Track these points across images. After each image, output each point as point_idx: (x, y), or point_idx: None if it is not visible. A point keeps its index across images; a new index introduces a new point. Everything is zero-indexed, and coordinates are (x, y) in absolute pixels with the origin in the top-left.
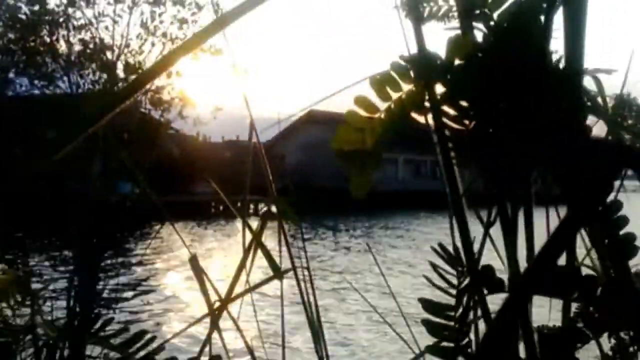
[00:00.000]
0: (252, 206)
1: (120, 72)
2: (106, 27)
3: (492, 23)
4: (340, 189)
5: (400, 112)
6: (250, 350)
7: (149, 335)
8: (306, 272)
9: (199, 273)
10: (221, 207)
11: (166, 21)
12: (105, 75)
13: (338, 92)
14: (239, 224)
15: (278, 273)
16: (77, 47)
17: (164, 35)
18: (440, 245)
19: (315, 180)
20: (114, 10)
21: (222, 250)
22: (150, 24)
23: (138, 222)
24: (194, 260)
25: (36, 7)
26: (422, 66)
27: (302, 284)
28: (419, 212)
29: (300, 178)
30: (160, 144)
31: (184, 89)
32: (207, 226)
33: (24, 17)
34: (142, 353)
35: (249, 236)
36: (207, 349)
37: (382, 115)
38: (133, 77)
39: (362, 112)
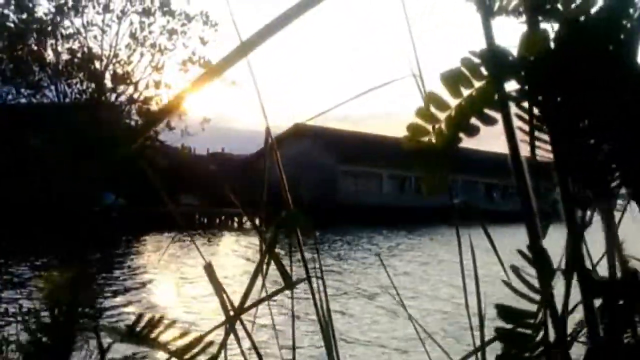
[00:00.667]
0: (236, 219)
1: (108, 82)
2: (95, 37)
3: (569, 17)
4: (319, 203)
5: (471, 110)
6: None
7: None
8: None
9: (215, 281)
10: (205, 220)
11: (155, 32)
12: (93, 85)
13: (354, 98)
14: (224, 236)
15: (290, 283)
16: (65, 56)
17: (153, 45)
18: (527, 247)
19: (301, 194)
20: (103, 19)
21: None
22: (139, 34)
23: (123, 232)
24: (209, 268)
25: (24, 16)
26: (493, 62)
27: (317, 295)
28: (395, 226)
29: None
30: (146, 156)
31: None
32: (192, 238)
33: (11, 25)
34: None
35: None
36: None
37: (453, 113)
38: (121, 87)
39: (433, 110)
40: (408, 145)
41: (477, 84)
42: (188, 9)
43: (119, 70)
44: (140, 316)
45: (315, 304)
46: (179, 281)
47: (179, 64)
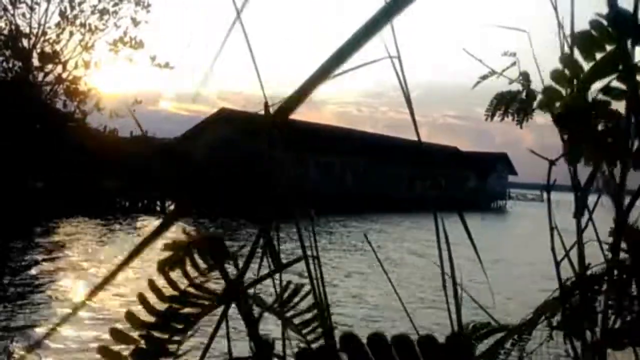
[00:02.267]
0: (158, 203)
1: (36, 61)
2: (23, 14)
3: None
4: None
5: (603, 72)
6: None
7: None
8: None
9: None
10: (126, 203)
11: (86, 11)
12: (19, 63)
13: (356, 68)
14: (144, 220)
15: (285, 263)
16: None
17: (83, 25)
18: None
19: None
20: None
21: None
22: (69, 13)
23: (42, 216)
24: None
25: None
26: (623, 26)
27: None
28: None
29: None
30: (65, 137)
31: (100, 81)
32: (114, 222)
33: None
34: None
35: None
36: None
37: (587, 75)
38: (49, 66)
39: (567, 72)
40: (548, 109)
41: (609, 47)
42: None
43: (48, 49)
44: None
45: (312, 285)
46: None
47: (109, 43)
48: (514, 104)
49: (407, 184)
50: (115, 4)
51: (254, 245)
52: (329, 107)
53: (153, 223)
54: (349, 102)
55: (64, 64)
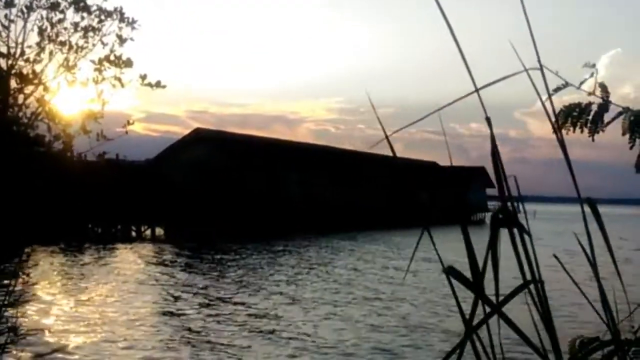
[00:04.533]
0: (134, 229)
1: (14, 82)
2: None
3: None
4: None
5: None
6: None
7: None
8: None
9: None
10: (99, 230)
11: (69, 28)
12: None
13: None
14: (117, 250)
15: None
16: None
17: (63, 43)
18: None
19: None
20: (6, 15)
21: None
22: (50, 31)
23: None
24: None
25: None
26: None
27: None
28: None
29: (188, 198)
30: (26, 163)
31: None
32: (81, 252)
33: None
34: None
35: None
36: None
37: None
38: (30, 87)
39: None
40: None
41: None
42: (104, 5)
43: (26, 70)
44: None
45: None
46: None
47: (94, 62)
48: (583, 117)
49: (392, 200)
50: (101, 21)
51: None
52: (305, 125)
53: (124, 253)
54: (325, 119)
55: (45, 85)
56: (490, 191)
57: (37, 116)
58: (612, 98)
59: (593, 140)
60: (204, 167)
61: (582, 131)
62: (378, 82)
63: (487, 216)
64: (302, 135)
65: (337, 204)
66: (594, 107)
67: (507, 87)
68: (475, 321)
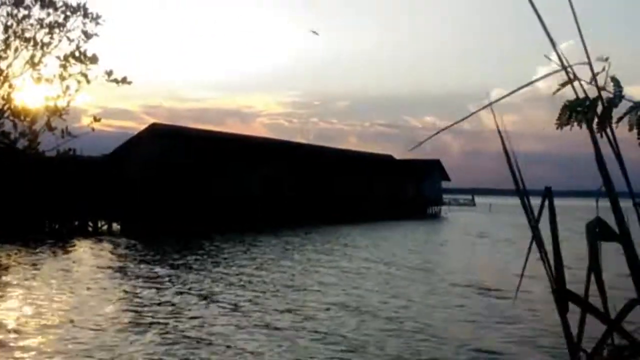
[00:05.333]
0: (90, 224)
1: None
2: None
3: None
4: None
5: None
6: None
7: None
8: None
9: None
10: (56, 226)
11: (35, 25)
12: None
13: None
14: (77, 244)
15: None
16: None
17: (27, 40)
18: None
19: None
20: None
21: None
22: (16, 27)
23: None
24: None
25: None
26: None
27: None
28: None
29: (145, 195)
30: None
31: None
32: (40, 248)
33: None
34: None
35: None
36: None
37: None
38: None
39: None
40: None
41: None
42: (69, 1)
43: None
44: None
45: None
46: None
47: (59, 59)
48: (590, 113)
49: (345, 193)
50: (66, 17)
51: None
52: (259, 120)
53: (82, 247)
54: (279, 113)
55: (10, 83)
56: (445, 184)
57: (2, 113)
58: (566, 89)
59: (601, 136)
60: (160, 162)
61: (586, 127)
62: (331, 75)
63: (443, 209)
64: (256, 129)
65: (294, 198)
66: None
67: (460, 80)
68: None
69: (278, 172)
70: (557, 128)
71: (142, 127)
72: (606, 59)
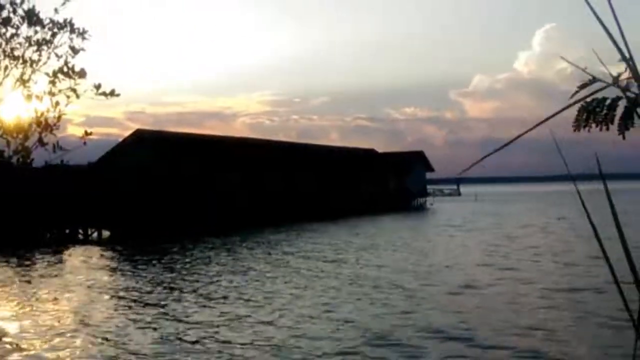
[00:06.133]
0: (80, 232)
1: None
2: None
3: None
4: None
5: None
6: None
7: None
8: None
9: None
10: (49, 235)
11: (23, 43)
12: None
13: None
14: (72, 252)
15: None
16: None
17: (16, 58)
18: None
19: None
20: None
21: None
22: (5, 46)
23: None
24: None
25: None
26: None
27: None
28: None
29: (133, 201)
30: None
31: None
32: (35, 256)
33: None
34: None
35: None
36: None
37: None
38: None
39: None
40: None
41: None
42: (55, 17)
43: None
44: None
45: None
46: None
47: (49, 75)
48: (611, 114)
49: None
50: (54, 34)
51: None
52: (240, 120)
53: (74, 256)
54: (260, 112)
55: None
56: (429, 174)
57: None
58: (548, 74)
59: (624, 138)
60: (146, 168)
61: (607, 129)
62: (310, 72)
63: (428, 200)
64: (238, 130)
65: (281, 197)
66: (622, 103)
67: (439, 69)
68: None
69: (259, 171)
70: (575, 130)
71: (126, 133)
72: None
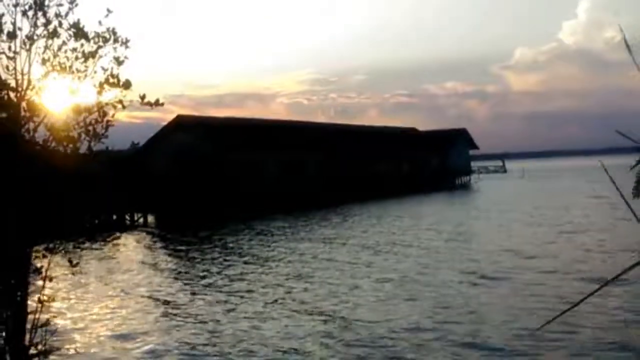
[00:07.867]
0: (127, 218)
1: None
2: (7, 67)
3: None
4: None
5: None
6: None
7: None
8: None
9: None
10: (96, 221)
11: (70, 55)
12: (4, 114)
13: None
14: (123, 238)
15: None
16: None
17: (64, 68)
18: None
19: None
20: (10, 47)
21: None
22: (53, 60)
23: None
24: None
25: None
26: None
27: None
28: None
29: (176, 187)
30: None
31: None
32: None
33: None
34: None
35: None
36: None
37: None
38: (37, 116)
39: None
40: None
41: None
42: (100, 29)
43: (35, 99)
44: None
45: None
46: None
47: (95, 87)
48: None
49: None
50: (100, 47)
51: None
52: (278, 100)
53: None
54: (298, 92)
55: (51, 112)
56: (473, 151)
57: (47, 143)
58: (594, 44)
59: None
60: (188, 154)
61: None
62: (346, 50)
63: (472, 178)
64: (276, 110)
65: (323, 181)
66: None
67: (480, 42)
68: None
69: (300, 155)
70: (635, 197)
71: (166, 116)
72: None
